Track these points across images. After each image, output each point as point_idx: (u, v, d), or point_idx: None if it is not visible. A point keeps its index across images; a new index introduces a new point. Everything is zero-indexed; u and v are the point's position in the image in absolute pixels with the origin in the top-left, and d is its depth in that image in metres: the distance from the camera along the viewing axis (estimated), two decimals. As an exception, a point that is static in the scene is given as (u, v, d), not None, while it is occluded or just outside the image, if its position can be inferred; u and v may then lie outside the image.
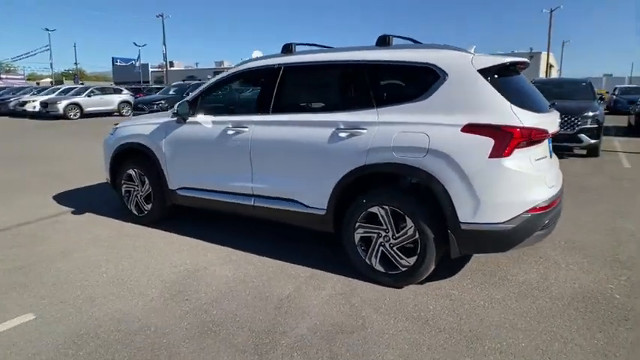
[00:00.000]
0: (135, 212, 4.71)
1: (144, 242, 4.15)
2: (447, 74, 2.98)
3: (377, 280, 3.25)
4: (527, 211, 2.83)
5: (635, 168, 7.93)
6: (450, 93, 2.95)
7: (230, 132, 3.82)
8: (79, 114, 20.06)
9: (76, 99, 20.42)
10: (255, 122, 3.70)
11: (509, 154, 2.78)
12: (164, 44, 39.21)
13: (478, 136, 2.80)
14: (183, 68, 57.54)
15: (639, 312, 2.84)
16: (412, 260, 3.09)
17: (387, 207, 3.12)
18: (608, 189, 6.21)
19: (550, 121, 3.12)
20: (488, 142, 2.77)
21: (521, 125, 2.79)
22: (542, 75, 36.50)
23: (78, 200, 5.65)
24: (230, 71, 4.09)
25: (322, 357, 2.40)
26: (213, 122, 3.98)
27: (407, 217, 3.05)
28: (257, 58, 3.96)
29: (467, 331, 2.64)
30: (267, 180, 3.68)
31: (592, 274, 3.41)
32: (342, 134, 3.24)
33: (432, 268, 3.10)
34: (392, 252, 3.17)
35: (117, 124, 5.09)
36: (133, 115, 15.98)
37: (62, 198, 5.81)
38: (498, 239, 2.87)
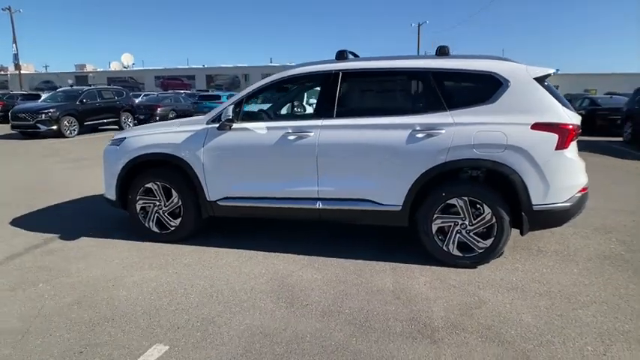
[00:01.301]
0: (155, 229, 4.32)
1: (192, 260, 3.88)
2: (509, 81, 3.54)
3: (454, 264, 3.65)
4: (578, 192, 3.54)
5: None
6: (513, 97, 3.51)
7: (291, 137, 3.84)
8: None
9: None
10: (321, 127, 3.80)
11: (567, 146, 3.45)
12: (14, 43, 33.57)
13: (545, 132, 3.42)
14: (34, 72, 49.90)
15: (634, 261, 3.77)
16: (489, 242, 3.57)
17: (465, 198, 3.56)
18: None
19: (578, 119, 3.91)
20: (554, 137, 3.41)
21: (571, 122, 3.48)
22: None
23: (49, 225, 4.87)
24: (277, 76, 4.07)
25: (479, 330, 2.72)
26: (268, 128, 3.93)
27: (485, 205, 3.53)
28: (309, 64, 4.06)
29: (556, 292, 3.22)
30: (336, 182, 3.80)
31: (594, 239, 4.32)
32: (419, 135, 3.58)
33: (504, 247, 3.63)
34: (469, 237, 3.61)
35: (113, 136, 4.58)
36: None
37: (25, 224, 4.93)
38: (560, 216, 3.53)
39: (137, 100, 20.38)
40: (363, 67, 3.89)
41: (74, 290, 3.30)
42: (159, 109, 19.14)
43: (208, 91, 31.97)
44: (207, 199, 4.13)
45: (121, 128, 16.73)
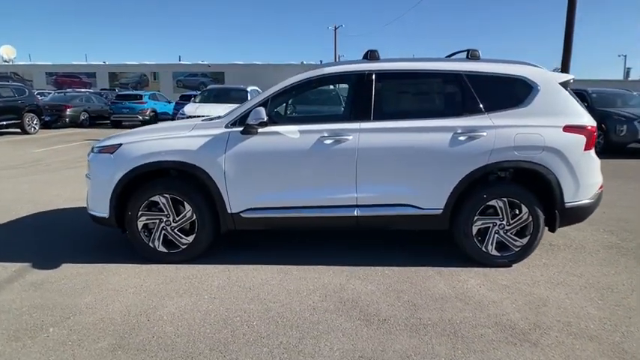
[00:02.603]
0: (162, 249, 3.77)
1: (223, 281, 3.45)
2: (538, 85, 3.69)
3: (492, 264, 3.72)
4: (599, 188, 3.82)
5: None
6: (544, 101, 3.67)
7: (328, 142, 3.60)
8: None
9: None
10: (359, 130, 3.61)
11: (592, 147, 3.70)
12: None
13: (575, 134, 3.63)
14: None
15: (633, 249, 4.22)
16: (525, 240, 3.70)
17: (505, 199, 3.64)
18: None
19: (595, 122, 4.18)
20: (582, 139, 3.63)
21: (593, 124, 3.74)
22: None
23: (12, 251, 4.01)
24: (305, 76, 3.78)
25: (564, 328, 2.78)
26: (301, 132, 3.64)
27: (523, 205, 3.64)
28: (336, 63, 3.84)
29: (596, 283, 3.44)
30: (376, 188, 3.65)
31: (586, 231, 4.71)
32: (461, 138, 3.58)
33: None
34: (506, 237, 3.70)
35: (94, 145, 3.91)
36: None
37: (-20, 252, 4.00)
38: (584, 212, 3.78)
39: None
40: (398, 68, 3.79)
41: (104, 331, 2.72)
42: (68, 110, 17.08)
43: (115, 90, 29.30)
44: (229, 211, 3.71)
45: (24, 131, 14.60)
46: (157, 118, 19.36)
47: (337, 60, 41.63)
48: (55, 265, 3.72)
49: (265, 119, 3.50)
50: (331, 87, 4.30)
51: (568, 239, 4.45)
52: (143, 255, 3.80)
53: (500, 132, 3.58)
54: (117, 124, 18.02)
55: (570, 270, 3.69)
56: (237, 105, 4.17)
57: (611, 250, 4.17)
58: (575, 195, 3.66)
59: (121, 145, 3.75)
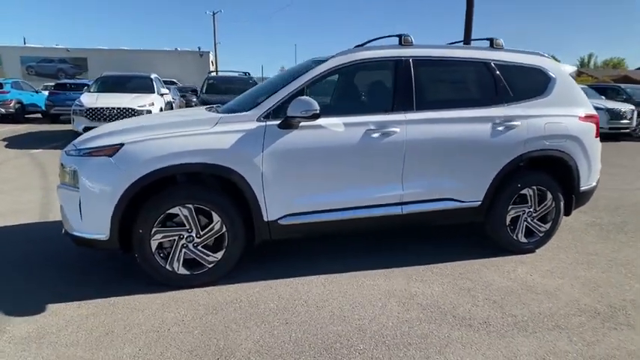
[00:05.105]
0: (183, 272, 3.07)
1: (277, 302, 2.93)
2: (554, 76, 3.86)
3: (520, 250, 3.83)
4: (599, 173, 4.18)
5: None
6: (561, 91, 3.86)
7: (375, 135, 3.28)
8: None
9: None
10: (406, 122, 3.36)
11: (598, 134, 4.01)
12: None
13: (588, 123, 3.88)
14: None
15: (613, 225, 4.75)
16: (548, 226, 3.87)
17: (534, 187, 3.75)
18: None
19: None
20: (593, 127, 3.91)
21: (596, 114, 4.06)
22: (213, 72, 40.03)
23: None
24: (339, 61, 3.34)
25: (629, 303, 2.95)
26: (346, 125, 3.24)
27: (548, 192, 3.80)
28: (371, 48, 3.51)
29: (622, 261, 3.71)
30: (421, 183, 3.45)
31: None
32: (500, 128, 3.58)
33: (556, 229, 3.98)
34: (533, 223, 3.84)
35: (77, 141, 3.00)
36: None
37: None
38: (590, 195, 4.09)
39: None
40: (435, 55, 3.60)
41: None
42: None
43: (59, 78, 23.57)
44: (265, 219, 3.16)
45: None
46: (24, 111, 16.30)
47: (215, 46, 39.77)
48: (42, 308, 2.76)
49: (318, 110, 3.02)
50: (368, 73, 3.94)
51: (555, 220, 4.81)
52: (158, 280, 3.04)
53: (531, 121, 3.66)
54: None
55: (583, 250, 3.97)
56: (239, 93, 3.58)
57: (594, 227, 4.63)
58: (587, 180, 3.94)
59: (123, 145, 2.92)
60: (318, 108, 3.00)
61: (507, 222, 3.74)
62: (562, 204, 3.85)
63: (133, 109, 9.65)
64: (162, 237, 3.00)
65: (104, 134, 3.09)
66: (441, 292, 3.11)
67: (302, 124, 3.14)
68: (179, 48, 40.97)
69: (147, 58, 37.06)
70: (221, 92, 11.56)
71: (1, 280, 3.16)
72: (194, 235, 3.05)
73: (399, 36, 3.59)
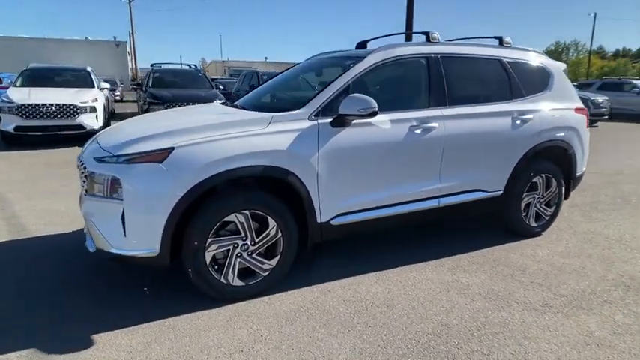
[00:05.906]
0: (238, 283, 2.88)
1: (346, 306, 2.86)
2: (553, 72, 4.19)
3: (529, 234, 4.13)
4: (585, 159, 4.62)
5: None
6: (559, 86, 4.19)
7: (418, 131, 3.32)
8: None
9: None
10: (443, 117, 3.44)
11: (588, 125, 4.42)
12: None
13: (581, 115, 4.27)
14: None
15: (598, 203, 5.31)
16: (552, 210, 4.22)
17: (543, 175, 4.06)
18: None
19: None
20: (585, 118, 4.31)
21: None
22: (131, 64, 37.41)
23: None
24: (376, 58, 3.31)
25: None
26: (392, 121, 3.23)
27: (553, 179, 4.13)
28: (404, 44, 3.54)
29: (618, 233, 4.18)
30: (456, 176, 3.57)
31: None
32: (518, 121, 3.81)
33: (557, 213, 4.34)
34: (540, 208, 4.16)
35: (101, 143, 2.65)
36: None
37: None
38: (581, 179, 4.51)
39: None
40: (460, 52, 3.72)
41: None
42: None
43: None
44: (319, 220, 3.06)
45: None
46: None
47: (132, 35, 37.12)
48: (83, 339, 2.42)
49: (377, 108, 2.97)
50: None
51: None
52: (211, 295, 2.82)
53: (542, 114, 3.94)
54: None
55: (579, 229, 4.39)
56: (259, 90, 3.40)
57: (574, 208, 5.11)
58: (581, 166, 4.35)
59: (173, 149, 2.63)
60: (376, 106, 2.95)
61: (522, 208, 4.01)
62: (563, 189, 4.22)
63: (75, 106, 8.69)
64: (217, 247, 2.77)
65: (146, 137, 2.75)
66: (489, 279, 3.25)
67: (354, 122, 3.07)
68: (89, 37, 37.65)
69: (53, 48, 33.56)
70: (169, 85, 10.87)
71: (38, 309, 2.71)
72: (249, 243, 2.86)
73: (426, 33, 3.65)
